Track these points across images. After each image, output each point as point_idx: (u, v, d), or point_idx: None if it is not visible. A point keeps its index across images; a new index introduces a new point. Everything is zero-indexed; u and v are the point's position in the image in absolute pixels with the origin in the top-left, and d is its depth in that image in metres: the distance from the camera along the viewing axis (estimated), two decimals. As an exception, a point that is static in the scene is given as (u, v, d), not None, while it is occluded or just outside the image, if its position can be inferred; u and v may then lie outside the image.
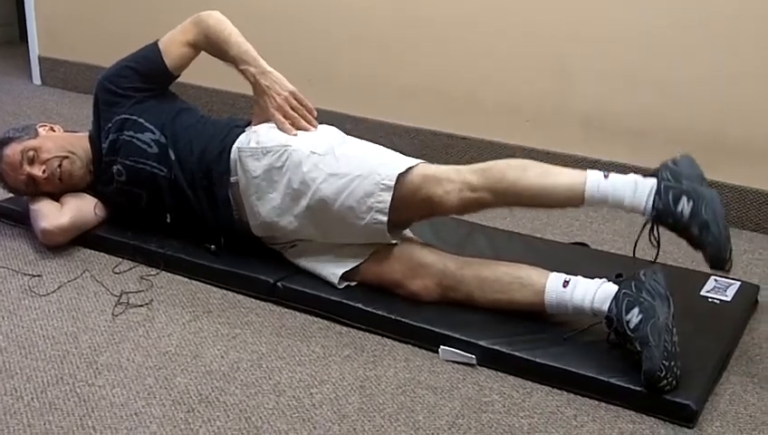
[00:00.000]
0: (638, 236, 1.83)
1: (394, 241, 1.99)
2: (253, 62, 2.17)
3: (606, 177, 1.83)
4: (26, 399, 1.67)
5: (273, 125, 2.11)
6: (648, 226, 1.81)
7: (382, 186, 1.91)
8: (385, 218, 1.92)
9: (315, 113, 2.15)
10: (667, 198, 1.77)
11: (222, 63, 2.25)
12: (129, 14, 3.69)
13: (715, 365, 1.79)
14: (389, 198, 1.91)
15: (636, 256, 1.87)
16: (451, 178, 1.90)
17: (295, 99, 2.14)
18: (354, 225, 1.95)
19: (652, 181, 1.80)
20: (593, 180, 1.83)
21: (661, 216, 1.78)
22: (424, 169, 1.95)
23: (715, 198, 1.76)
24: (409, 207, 1.94)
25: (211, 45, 2.23)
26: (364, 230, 1.95)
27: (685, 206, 1.75)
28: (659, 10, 2.64)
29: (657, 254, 1.85)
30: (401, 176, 1.92)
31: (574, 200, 1.86)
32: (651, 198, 1.79)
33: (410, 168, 1.93)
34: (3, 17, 4.78)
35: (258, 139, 2.07)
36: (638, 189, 1.80)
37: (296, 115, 2.12)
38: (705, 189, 1.77)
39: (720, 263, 1.75)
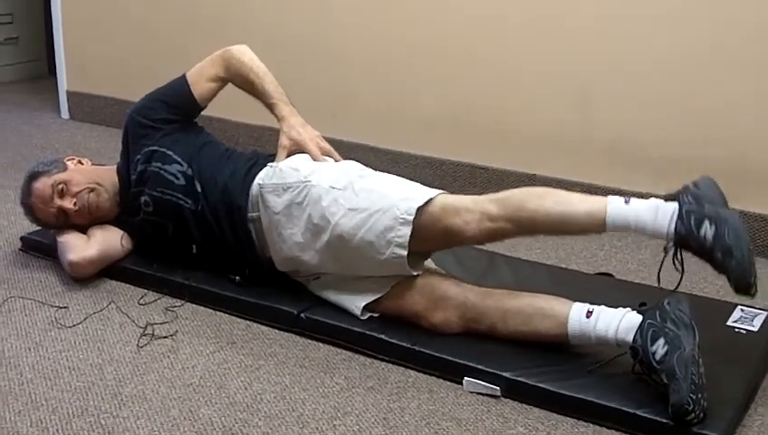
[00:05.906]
0: (662, 262, 1.81)
1: (415, 273, 1.99)
2: (283, 99, 2.24)
3: (627, 202, 1.82)
4: (51, 430, 1.68)
5: (296, 161, 2.14)
6: (672, 251, 1.80)
7: (401, 220, 1.92)
8: (404, 253, 1.92)
9: (339, 157, 2.21)
10: (690, 222, 1.76)
11: (246, 97, 2.29)
12: (155, 50, 3.75)
13: (743, 396, 1.77)
14: (409, 233, 1.91)
15: (660, 284, 1.85)
16: (470, 209, 1.90)
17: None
18: (374, 259, 1.96)
19: (674, 205, 1.80)
20: (614, 206, 1.82)
21: (684, 240, 1.77)
22: (443, 199, 1.95)
23: (738, 221, 1.74)
24: (429, 238, 1.94)
25: (241, 79, 2.28)
26: (384, 264, 1.96)
27: (707, 230, 1.73)
28: (681, 38, 2.64)
29: (681, 278, 1.83)
30: (420, 208, 1.92)
31: (596, 227, 1.85)
32: (673, 223, 1.77)
33: (429, 199, 1.94)
34: (32, 53, 4.87)
35: (280, 174, 2.10)
36: (660, 214, 1.79)
37: (329, 148, 2.21)
38: (727, 213, 1.76)
39: (745, 288, 1.73)
